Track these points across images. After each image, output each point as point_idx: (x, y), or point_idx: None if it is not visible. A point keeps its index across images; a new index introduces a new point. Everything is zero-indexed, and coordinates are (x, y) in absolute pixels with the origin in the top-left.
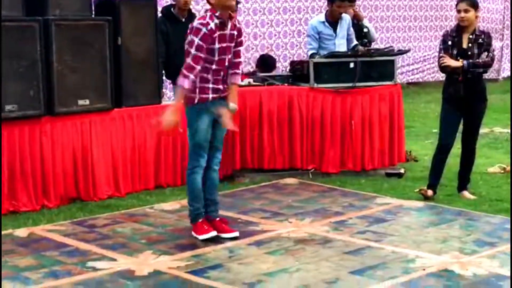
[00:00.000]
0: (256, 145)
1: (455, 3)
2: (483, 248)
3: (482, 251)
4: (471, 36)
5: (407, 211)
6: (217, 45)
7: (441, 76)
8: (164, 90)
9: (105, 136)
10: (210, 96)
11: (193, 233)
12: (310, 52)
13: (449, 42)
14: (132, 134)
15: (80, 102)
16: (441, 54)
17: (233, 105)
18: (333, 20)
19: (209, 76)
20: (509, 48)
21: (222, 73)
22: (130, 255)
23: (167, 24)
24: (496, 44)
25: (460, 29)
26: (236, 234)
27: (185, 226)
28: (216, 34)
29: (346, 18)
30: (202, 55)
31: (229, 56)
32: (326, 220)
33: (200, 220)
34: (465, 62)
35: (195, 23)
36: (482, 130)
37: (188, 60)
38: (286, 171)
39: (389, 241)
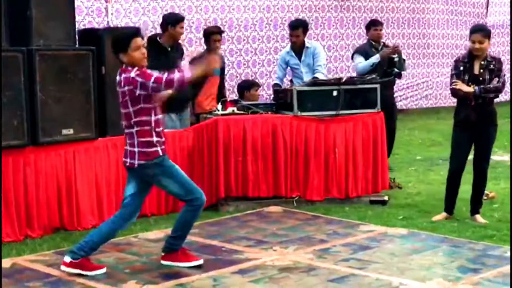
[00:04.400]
0: (240, 173)
1: (438, 30)
2: (466, 275)
3: (466, 277)
4: (482, 62)
5: (391, 239)
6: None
7: (424, 104)
8: None
9: (89, 165)
10: (159, 148)
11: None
12: (274, 81)
13: (461, 68)
14: (116, 163)
15: (64, 131)
16: (453, 80)
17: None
18: (295, 49)
19: (152, 131)
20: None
21: (160, 122)
22: (114, 285)
23: (153, 53)
24: None
25: (472, 56)
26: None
27: None
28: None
29: (312, 47)
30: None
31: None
32: (311, 248)
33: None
34: (476, 88)
35: (133, 75)
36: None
37: (165, 79)
38: (271, 199)
39: (373, 269)
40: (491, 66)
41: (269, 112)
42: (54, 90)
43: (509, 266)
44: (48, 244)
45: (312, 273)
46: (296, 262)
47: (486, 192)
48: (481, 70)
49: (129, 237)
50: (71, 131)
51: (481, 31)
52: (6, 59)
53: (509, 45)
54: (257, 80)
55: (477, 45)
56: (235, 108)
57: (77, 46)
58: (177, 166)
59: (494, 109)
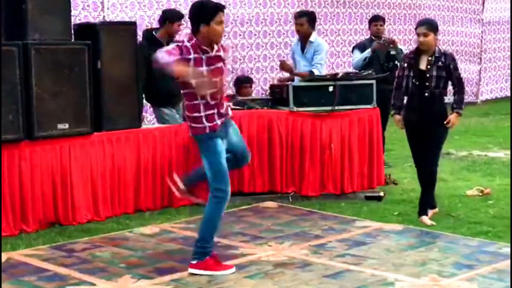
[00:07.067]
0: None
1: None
2: (461, 271)
3: (460, 274)
4: (430, 58)
5: (386, 234)
6: (205, 67)
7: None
8: (144, 114)
9: (84, 160)
10: (218, 122)
11: (203, 271)
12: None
13: (405, 64)
14: (111, 158)
15: (60, 126)
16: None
17: None
18: (301, 40)
19: (211, 102)
20: (487, 72)
21: (219, 96)
22: (109, 280)
23: (150, 48)
24: (473, 67)
25: (419, 51)
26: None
27: (164, 250)
28: (203, 56)
29: (316, 43)
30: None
31: (220, 77)
32: (306, 244)
33: (210, 256)
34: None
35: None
36: (461, 153)
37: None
38: (266, 195)
39: (369, 264)
40: (440, 63)
41: (265, 108)
42: (50, 84)
43: (504, 262)
44: (43, 239)
45: (307, 269)
46: (291, 257)
47: (481, 188)
48: (429, 66)
49: (124, 232)
50: (67, 125)
51: (425, 24)
52: (2, 53)
53: (506, 41)
54: (253, 76)
55: (421, 38)
56: (230, 104)
57: (73, 40)
58: (221, 146)
59: (443, 109)
